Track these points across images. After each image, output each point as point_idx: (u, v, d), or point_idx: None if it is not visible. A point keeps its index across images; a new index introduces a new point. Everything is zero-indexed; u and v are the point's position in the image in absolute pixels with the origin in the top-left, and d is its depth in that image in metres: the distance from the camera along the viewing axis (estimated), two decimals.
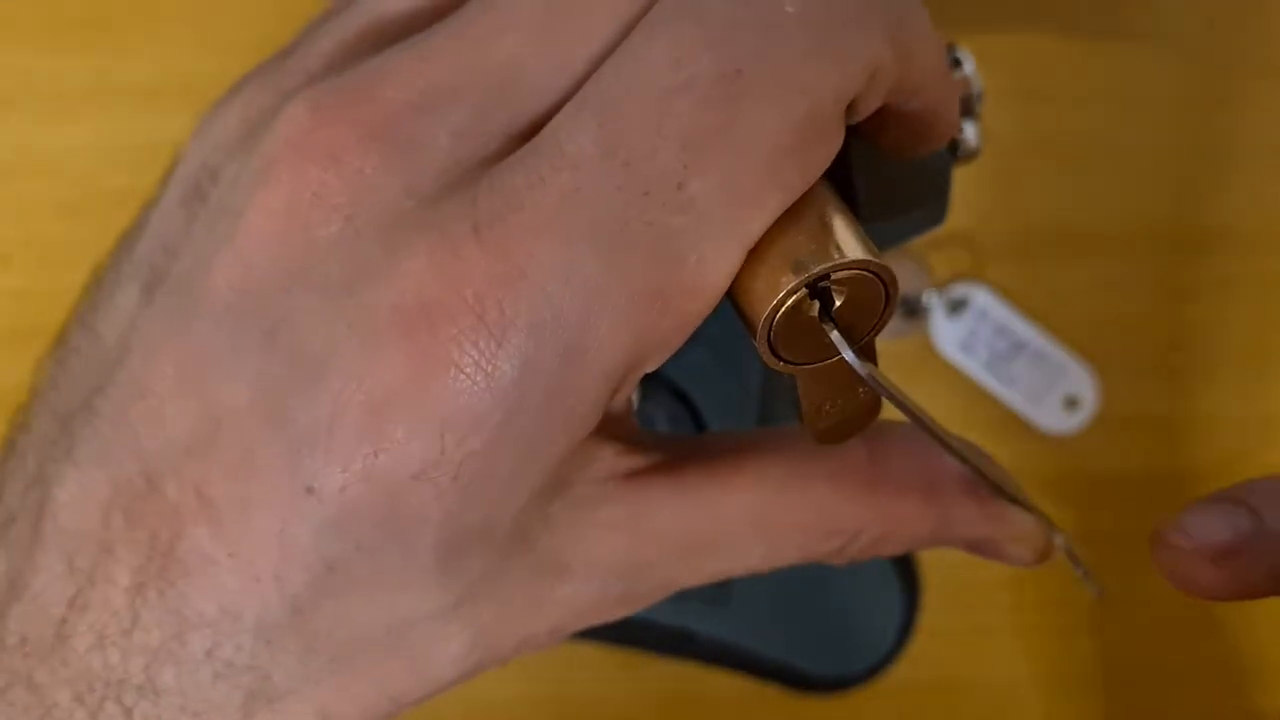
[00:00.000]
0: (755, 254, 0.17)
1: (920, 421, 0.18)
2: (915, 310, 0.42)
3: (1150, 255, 0.44)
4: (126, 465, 0.17)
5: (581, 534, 0.19)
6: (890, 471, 0.21)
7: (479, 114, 0.17)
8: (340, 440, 0.16)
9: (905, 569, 0.39)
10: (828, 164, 0.17)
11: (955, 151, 0.24)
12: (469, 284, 0.16)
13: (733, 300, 0.18)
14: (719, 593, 0.37)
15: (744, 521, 0.20)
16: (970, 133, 0.24)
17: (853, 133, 0.20)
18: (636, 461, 0.19)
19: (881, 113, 0.19)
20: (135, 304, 0.19)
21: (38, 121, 0.45)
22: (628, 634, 0.38)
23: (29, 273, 0.42)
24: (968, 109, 0.24)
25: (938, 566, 0.40)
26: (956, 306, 0.42)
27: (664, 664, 0.39)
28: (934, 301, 0.42)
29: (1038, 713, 0.39)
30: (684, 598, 0.36)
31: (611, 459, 0.19)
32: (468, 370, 0.16)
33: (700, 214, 0.16)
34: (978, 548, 0.22)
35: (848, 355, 0.17)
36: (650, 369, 0.18)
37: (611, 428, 0.19)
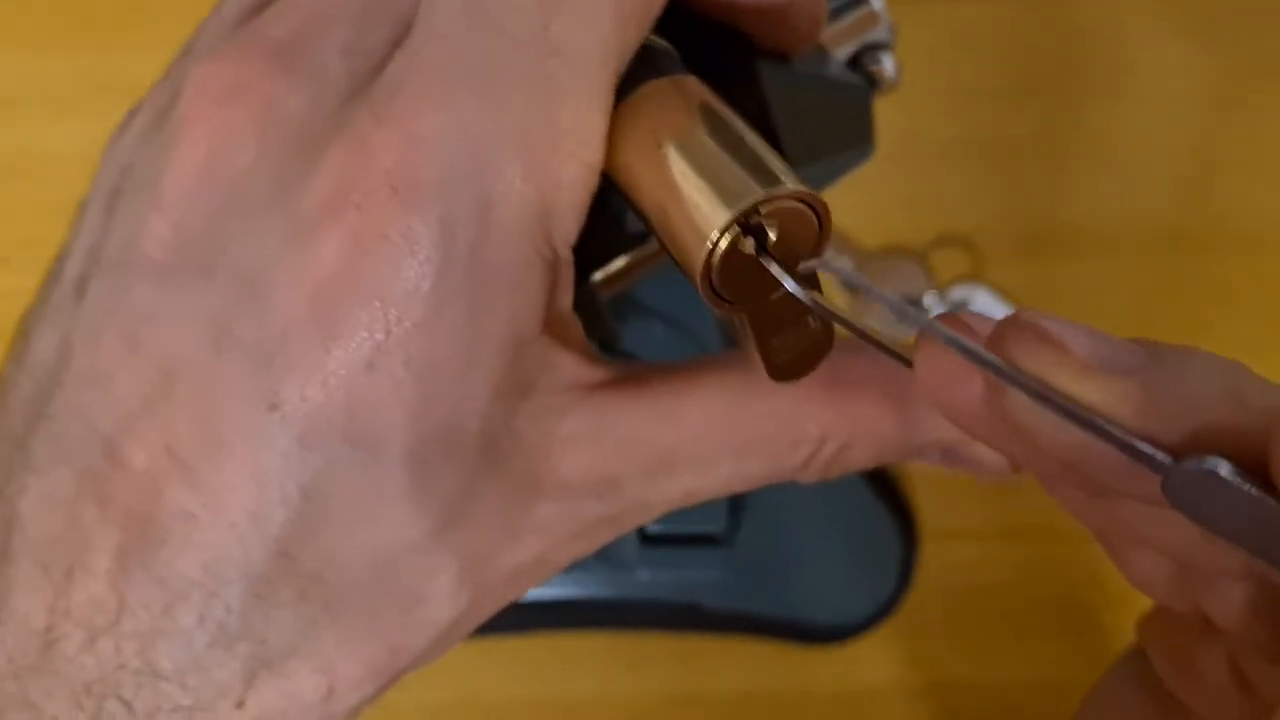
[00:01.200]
0: (685, 200, 0.18)
1: (875, 342, 0.18)
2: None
3: (1150, 255, 0.44)
4: (87, 452, 0.17)
5: (550, 449, 0.19)
6: (850, 374, 0.21)
7: (360, 29, 0.19)
8: (293, 345, 0.17)
9: (900, 511, 0.39)
10: None
11: (873, 84, 0.26)
12: (379, 162, 0.17)
13: (670, 252, 0.18)
14: (722, 558, 0.38)
15: (707, 429, 0.20)
16: (888, 64, 0.26)
17: (753, 58, 0.21)
18: (598, 374, 0.20)
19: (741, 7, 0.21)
20: (69, 311, 0.19)
21: (37, 121, 0.45)
22: (637, 616, 0.39)
23: (28, 273, 0.42)
24: (883, 43, 0.26)
25: (939, 567, 0.40)
26: (957, 308, 0.42)
27: (665, 663, 0.39)
28: (935, 304, 0.42)
29: (1038, 713, 0.39)
30: (690, 572, 0.36)
31: (573, 368, 0.19)
32: (394, 240, 0.17)
33: (567, 54, 0.18)
34: (952, 454, 0.22)
35: (789, 285, 0.17)
36: (565, 234, 0.18)
37: (562, 332, 0.19)
